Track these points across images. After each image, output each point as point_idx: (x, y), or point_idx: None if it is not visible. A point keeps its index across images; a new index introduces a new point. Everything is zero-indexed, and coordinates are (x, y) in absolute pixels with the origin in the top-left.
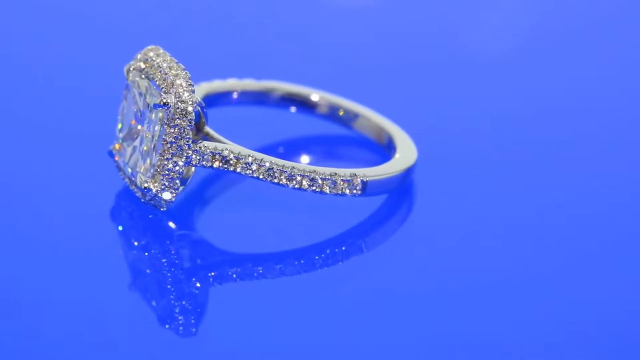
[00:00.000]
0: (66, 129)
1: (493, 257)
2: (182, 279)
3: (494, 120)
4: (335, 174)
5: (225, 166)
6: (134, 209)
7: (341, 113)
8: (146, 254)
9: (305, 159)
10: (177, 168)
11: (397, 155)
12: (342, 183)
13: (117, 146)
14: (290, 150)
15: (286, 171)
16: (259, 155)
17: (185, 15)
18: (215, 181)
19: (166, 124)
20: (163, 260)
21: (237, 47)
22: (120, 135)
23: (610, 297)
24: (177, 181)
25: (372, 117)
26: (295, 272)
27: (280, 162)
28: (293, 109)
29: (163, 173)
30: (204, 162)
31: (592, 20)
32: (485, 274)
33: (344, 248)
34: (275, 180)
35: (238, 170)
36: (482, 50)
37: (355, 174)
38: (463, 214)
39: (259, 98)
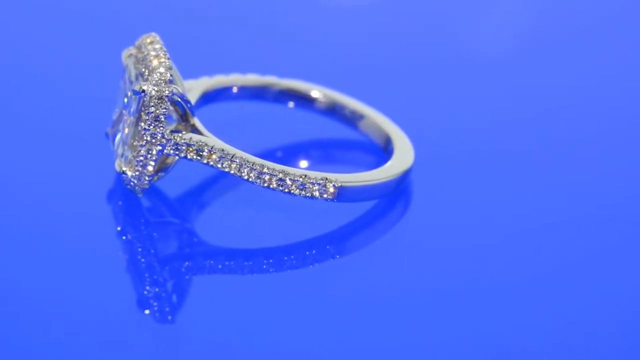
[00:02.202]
0: (65, 114)
1: (492, 258)
2: (157, 266)
3: (494, 120)
4: (305, 176)
5: (198, 158)
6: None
7: (346, 112)
8: (124, 237)
9: (304, 159)
10: (150, 155)
11: (387, 164)
12: (311, 186)
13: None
14: (291, 150)
15: (255, 169)
16: (232, 151)
17: (186, 13)
18: (218, 179)
19: (142, 111)
20: (138, 245)
21: (237, 46)
22: (114, 118)
23: (610, 298)
24: (151, 168)
25: (375, 118)
26: (265, 271)
27: (252, 159)
28: (291, 104)
29: (138, 159)
30: (178, 152)
31: (591, 21)
32: (483, 275)
33: (314, 251)
34: (245, 177)
35: (211, 163)
36: (482, 50)
37: (327, 178)
38: (461, 216)
39: (259, 93)
